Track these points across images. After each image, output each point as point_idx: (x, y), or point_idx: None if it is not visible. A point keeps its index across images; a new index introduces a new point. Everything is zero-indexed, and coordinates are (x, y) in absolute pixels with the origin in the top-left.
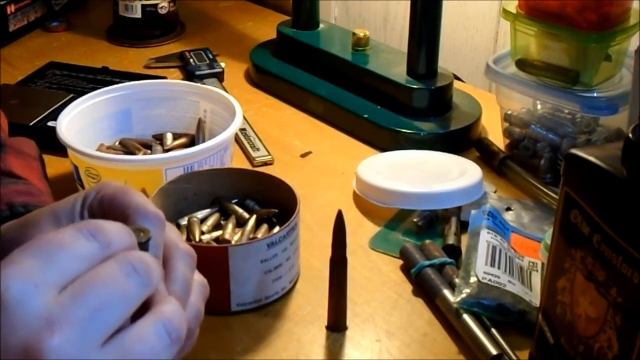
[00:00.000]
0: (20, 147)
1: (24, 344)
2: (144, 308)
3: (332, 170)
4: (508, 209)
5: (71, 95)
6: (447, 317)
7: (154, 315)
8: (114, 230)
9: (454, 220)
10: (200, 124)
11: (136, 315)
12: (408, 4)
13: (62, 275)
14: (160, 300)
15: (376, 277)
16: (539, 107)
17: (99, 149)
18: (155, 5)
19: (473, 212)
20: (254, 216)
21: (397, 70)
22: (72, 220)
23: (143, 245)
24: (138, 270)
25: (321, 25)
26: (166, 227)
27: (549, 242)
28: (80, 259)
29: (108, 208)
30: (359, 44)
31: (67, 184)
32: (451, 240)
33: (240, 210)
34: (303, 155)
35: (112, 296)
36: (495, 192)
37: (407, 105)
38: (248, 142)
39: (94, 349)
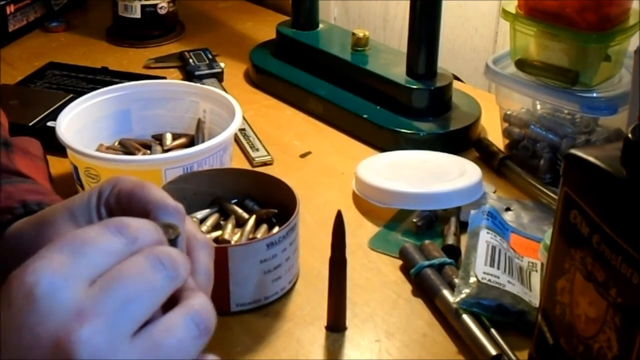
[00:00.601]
0: (26, 147)
1: (54, 335)
2: (173, 303)
3: (332, 170)
4: (507, 209)
5: (71, 96)
6: (446, 318)
7: (183, 308)
8: (140, 226)
9: (453, 220)
10: (199, 124)
11: (165, 310)
12: (407, 4)
13: (90, 269)
14: (188, 294)
15: (375, 277)
16: (538, 107)
17: (98, 149)
18: (155, 6)
19: (472, 212)
20: (254, 216)
21: (396, 71)
22: (89, 216)
23: (173, 242)
24: (165, 263)
25: (321, 26)
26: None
27: (548, 242)
28: (108, 254)
29: (127, 203)
30: (359, 44)
31: (67, 185)
32: (451, 240)
33: (240, 211)
34: (302, 156)
35: (140, 289)
36: (494, 192)
37: (407, 105)
38: (247, 143)
39: (123, 340)
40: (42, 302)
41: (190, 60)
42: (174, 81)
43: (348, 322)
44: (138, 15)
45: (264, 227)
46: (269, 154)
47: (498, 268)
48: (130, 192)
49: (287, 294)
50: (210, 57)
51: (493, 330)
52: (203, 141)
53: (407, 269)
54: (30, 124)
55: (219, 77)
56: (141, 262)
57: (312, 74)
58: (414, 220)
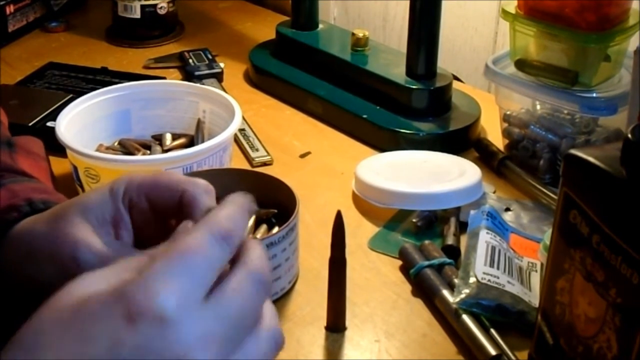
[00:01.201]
0: (29, 147)
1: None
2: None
3: (332, 170)
4: (507, 209)
5: (70, 96)
6: (446, 318)
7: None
8: (239, 230)
9: (453, 220)
10: (199, 124)
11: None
12: (407, 4)
13: (203, 288)
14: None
15: (375, 277)
16: (538, 107)
17: (98, 150)
18: (155, 6)
19: (472, 212)
20: (253, 216)
21: (396, 71)
22: (103, 214)
23: None
24: (265, 285)
25: (320, 26)
26: None
27: (548, 242)
28: (215, 270)
29: (153, 192)
30: (358, 45)
31: (66, 185)
32: (450, 240)
33: None
34: (302, 156)
35: (246, 306)
36: (494, 192)
37: (407, 105)
38: (247, 143)
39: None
40: (171, 328)
41: (190, 61)
42: (173, 81)
43: (348, 322)
44: (138, 15)
45: (263, 227)
46: (268, 154)
47: (498, 268)
48: (152, 181)
49: (287, 294)
50: (210, 57)
51: (493, 331)
52: (203, 141)
53: (407, 269)
54: (30, 124)
55: (218, 77)
56: (247, 284)
57: (312, 74)
58: (414, 220)
